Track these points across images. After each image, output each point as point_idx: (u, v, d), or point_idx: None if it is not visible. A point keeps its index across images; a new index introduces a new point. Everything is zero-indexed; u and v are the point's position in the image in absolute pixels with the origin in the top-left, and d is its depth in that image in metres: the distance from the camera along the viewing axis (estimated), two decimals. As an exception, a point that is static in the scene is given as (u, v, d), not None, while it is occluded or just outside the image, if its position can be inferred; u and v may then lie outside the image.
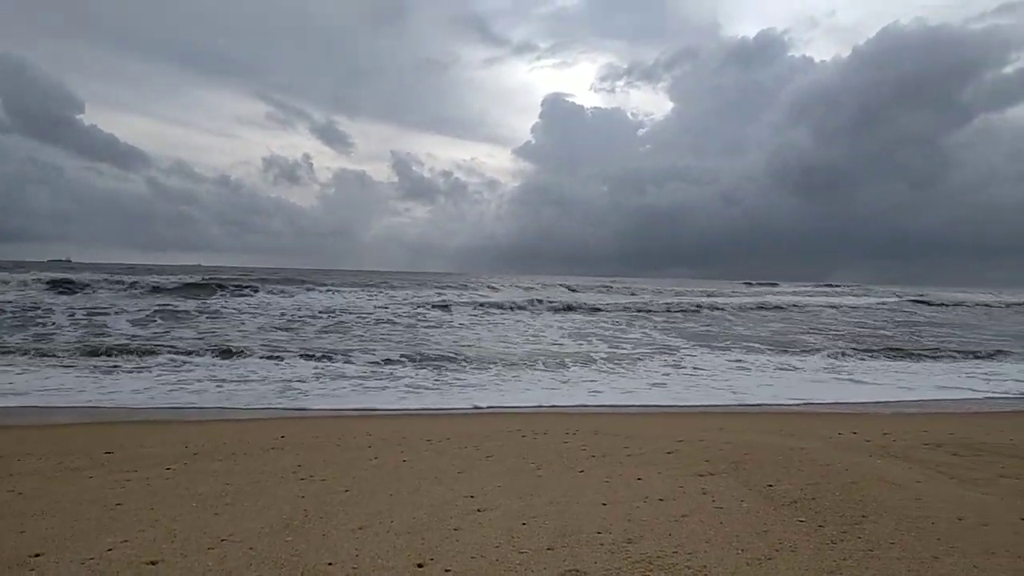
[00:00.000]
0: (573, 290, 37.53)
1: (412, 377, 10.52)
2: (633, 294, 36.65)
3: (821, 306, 31.49)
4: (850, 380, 11.36)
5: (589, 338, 16.80)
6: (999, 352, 15.42)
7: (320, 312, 20.49)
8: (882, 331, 21.82)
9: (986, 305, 36.39)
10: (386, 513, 3.73)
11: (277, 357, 11.79)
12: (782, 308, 28.83)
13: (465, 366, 11.74)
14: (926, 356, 14.85)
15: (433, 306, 23.60)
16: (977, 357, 14.84)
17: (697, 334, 18.85)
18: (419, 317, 20.78)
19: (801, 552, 3.16)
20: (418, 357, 12.29)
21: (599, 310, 25.51)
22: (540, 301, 26.43)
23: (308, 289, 28.05)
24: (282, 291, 26.51)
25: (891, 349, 15.78)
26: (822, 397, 9.52)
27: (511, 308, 24.44)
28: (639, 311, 25.83)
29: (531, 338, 16.61)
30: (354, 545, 3.23)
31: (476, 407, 8.28)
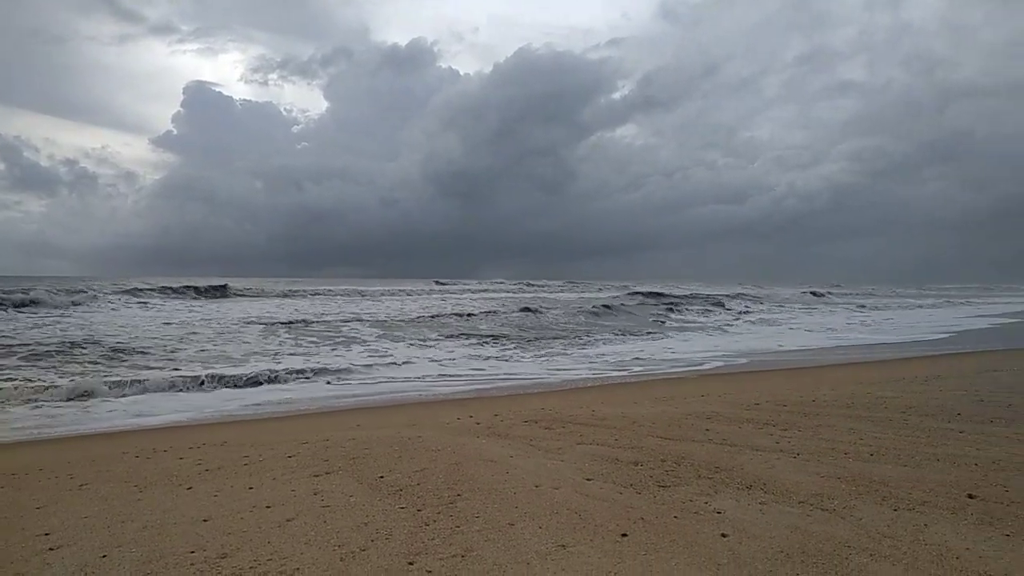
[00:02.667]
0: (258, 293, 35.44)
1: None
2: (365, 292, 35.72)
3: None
4: (486, 367, 12.51)
5: (273, 338, 16.11)
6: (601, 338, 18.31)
7: None
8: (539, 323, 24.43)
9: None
10: (-81, 572, 3.10)
11: None
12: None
13: (95, 379, 10.21)
14: (551, 343, 17.06)
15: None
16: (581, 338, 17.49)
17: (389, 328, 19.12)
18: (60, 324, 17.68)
19: (395, 538, 3.36)
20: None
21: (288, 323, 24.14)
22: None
23: None
24: None
25: (529, 340, 17.83)
26: (459, 385, 10.34)
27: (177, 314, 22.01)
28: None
29: (208, 342, 15.22)
30: None
31: (92, 430, 7.31)
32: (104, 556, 3.23)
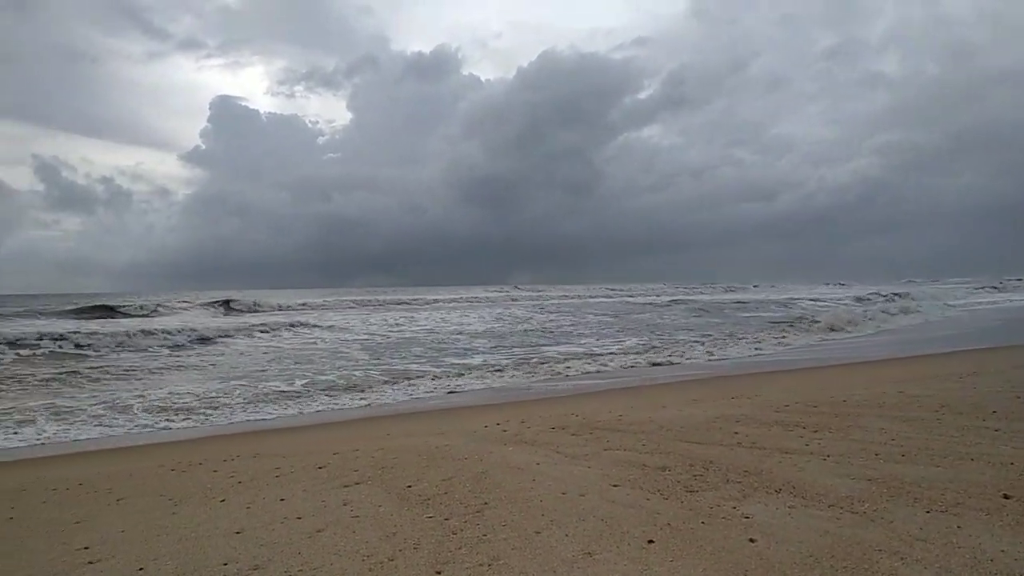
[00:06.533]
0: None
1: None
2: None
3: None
4: (506, 377, 12.53)
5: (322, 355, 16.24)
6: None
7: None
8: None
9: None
10: (-34, 587, 3.22)
11: None
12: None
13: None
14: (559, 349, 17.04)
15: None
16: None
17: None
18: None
19: (423, 548, 3.38)
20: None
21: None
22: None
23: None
24: None
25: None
26: (488, 395, 10.37)
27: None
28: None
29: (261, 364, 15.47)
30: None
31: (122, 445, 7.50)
32: (141, 569, 3.31)
